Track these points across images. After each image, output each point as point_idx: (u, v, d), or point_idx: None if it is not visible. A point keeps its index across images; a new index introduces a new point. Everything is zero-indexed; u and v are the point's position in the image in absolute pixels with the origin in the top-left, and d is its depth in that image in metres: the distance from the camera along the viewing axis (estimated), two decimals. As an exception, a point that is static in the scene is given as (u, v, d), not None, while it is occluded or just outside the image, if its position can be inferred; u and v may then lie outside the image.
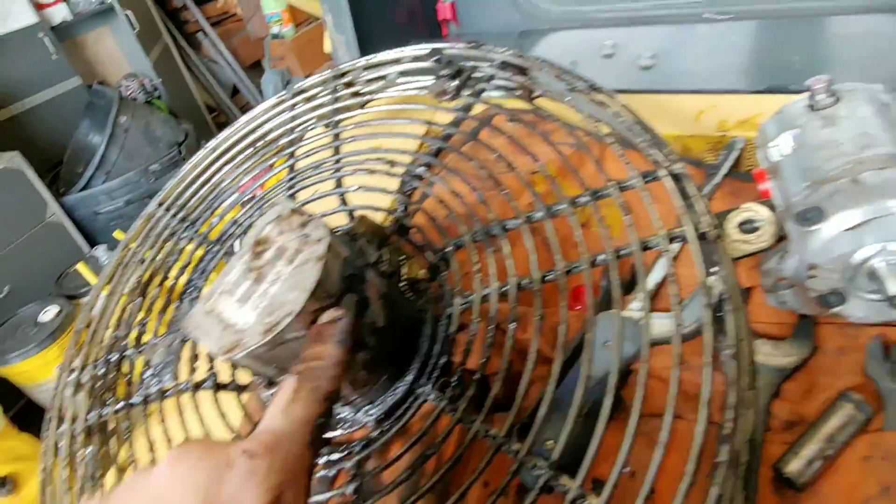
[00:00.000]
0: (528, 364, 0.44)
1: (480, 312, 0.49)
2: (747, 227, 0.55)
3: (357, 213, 0.52)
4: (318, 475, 0.50)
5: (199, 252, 0.66)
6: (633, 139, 0.49)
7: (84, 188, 2.83)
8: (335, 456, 0.50)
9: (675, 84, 0.75)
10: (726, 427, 0.38)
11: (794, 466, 0.48)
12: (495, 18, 1.01)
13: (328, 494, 0.46)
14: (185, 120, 3.31)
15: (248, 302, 0.41)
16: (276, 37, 3.33)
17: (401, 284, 0.55)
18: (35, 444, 1.89)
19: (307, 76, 0.72)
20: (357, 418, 0.52)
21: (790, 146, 0.52)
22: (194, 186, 0.70)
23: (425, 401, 0.48)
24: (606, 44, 0.85)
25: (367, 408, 0.52)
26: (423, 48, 0.60)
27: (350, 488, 0.45)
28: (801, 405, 0.50)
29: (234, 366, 0.61)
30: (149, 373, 0.62)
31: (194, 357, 0.60)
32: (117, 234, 2.47)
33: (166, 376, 0.61)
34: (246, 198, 0.66)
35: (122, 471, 0.60)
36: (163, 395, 0.59)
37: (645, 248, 0.45)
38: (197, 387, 0.58)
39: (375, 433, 0.50)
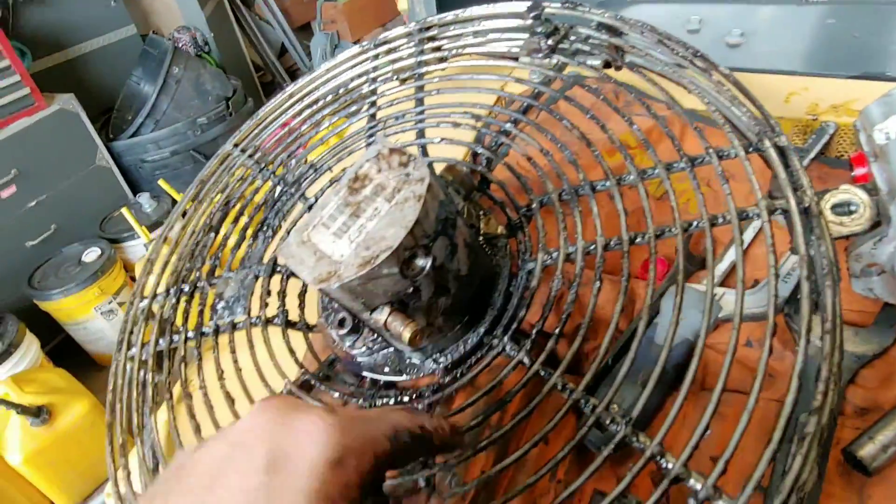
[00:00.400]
0: (611, 326, 0.44)
1: (563, 270, 0.49)
2: (841, 209, 0.53)
3: (446, 163, 0.52)
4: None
5: (275, 193, 0.67)
6: (736, 109, 0.48)
7: (133, 136, 2.89)
8: (405, 399, 0.51)
9: (764, 64, 0.73)
10: (817, 400, 0.37)
11: (867, 451, 0.47)
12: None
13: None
14: (233, 76, 3.35)
15: (345, 235, 0.42)
16: (328, 0, 3.33)
17: (478, 239, 0.56)
18: (69, 378, 1.97)
19: (356, 42, 0.72)
20: (425, 365, 0.53)
21: (897, 130, 0.50)
22: (271, 129, 0.71)
23: (499, 352, 0.48)
24: (693, 18, 0.82)
25: (437, 355, 0.52)
26: (520, 4, 0.59)
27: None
28: (878, 393, 0.50)
29: (303, 305, 0.62)
30: (221, 304, 0.63)
31: (266, 294, 0.61)
32: (162, 184, 2.52)
33: (238, 310, 0.62)
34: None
35: (188, 396, 0.62)
36: (234, 327, 0.61)
37: (743, 217, 0.44)
38: (268, 322, 0.59)
39: (446, 380, 0.51)
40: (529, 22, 0.57)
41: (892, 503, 0.47)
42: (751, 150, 0.46)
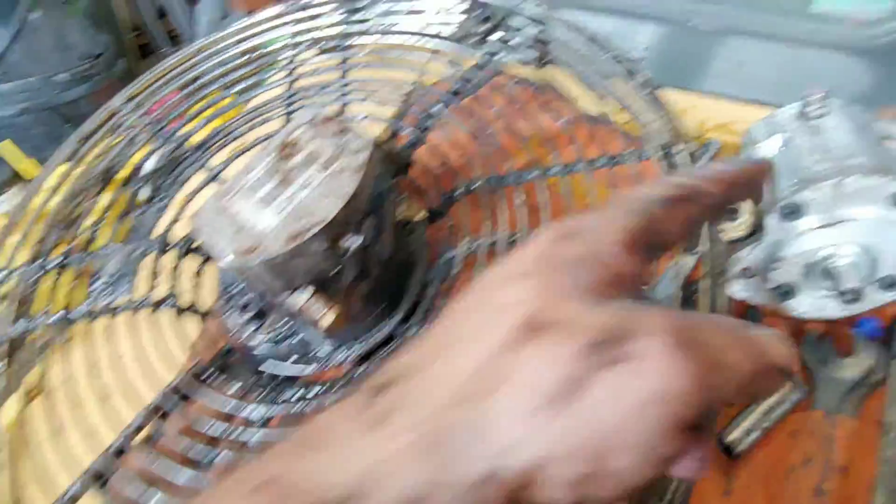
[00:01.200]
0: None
1: (487, 259, 0.49)
2: (727, 215, 0.59)
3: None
4: (290, 411, 0.47)
5: (171, 159, 0.61)
6: (651, 115, 0.52)
7: (-26, 84, 2.49)
8: (311, 392, 0.48)
9: (662, 78, 0.79)
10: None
11: (734, 435, 0.52)
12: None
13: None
14: (102, 32, 3.00)
15: (272, 205, 0.39)
16: (216, -37, 3.08)
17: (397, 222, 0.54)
18: None
19: (250, 12, 0.68)
20: (334, 356, 0.51)
21: (778, 147, 0.57)
22: (173, 86, 0.64)
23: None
24: (605, 30, 0.87)
25: (348, 345, 0.50)
26: (454, -14, 0.59)
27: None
28: (749, 383, 0.56)
29: (197, 287, 0.57)
30: (100, 283, 0.56)
31: (154, 274, 0.55)
32: (6, 145, 2.19)
33: (121, 290, 0.55)
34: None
35: (34, 395, 0.54)
36: (113, 312, 0.54)
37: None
38: (156, 306, 0.54)
39: (356, 373, 0.49)
40: (465, 6, 0.57)
41: (754, 479, 0.53)
42: (665, 153, 0.50)
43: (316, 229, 0.37)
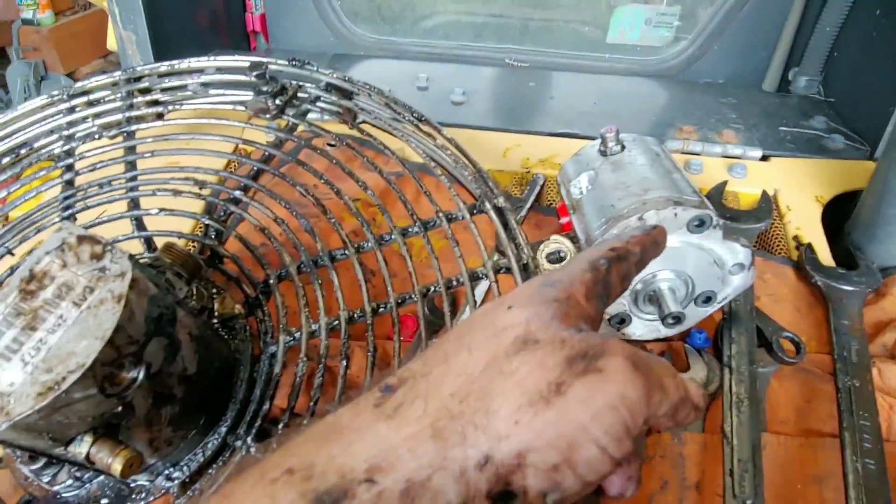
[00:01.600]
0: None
1: (308, 350, 0.45)
2: (554, 257, 0.61)
3: (164, 241, 0.45)
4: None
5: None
6: (460, 171, 0.51)
7: None
8: None
9: (484, 121, 0.80)
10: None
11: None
12: (308, 38, 0.98)
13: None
14: None
15: (15, 356, 0.33)
16: (27, 22, 2.81)
17: (213, 322, 0.49)
18: None
19: (70, 74, 0.61)
20: (157, 484, 0.45)
21: (587, 186, 0.59)
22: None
23: (246, 453, 0.43)
24: (421, 76, 0.88)
25: (170, 471, 0.44)
26: (243, 59, 0.55)
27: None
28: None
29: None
30: None
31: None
32: None
33: None
34: None
35: None
36: None
37: (474, 278, 0.47)
38: None
39: (181, 501, 0.43)
40: (254, 80, 0.54)
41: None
42: (475, 212, 0.49)
43: (73, 377, 0.32)
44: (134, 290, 0.34)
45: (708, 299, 0.58)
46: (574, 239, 0.60)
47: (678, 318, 0.56)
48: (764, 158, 0.79)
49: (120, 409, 0.36)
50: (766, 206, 0.71)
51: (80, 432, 0.35)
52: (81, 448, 0.35)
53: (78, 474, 0.43)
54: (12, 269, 0.49)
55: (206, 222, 0.52)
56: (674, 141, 0.80)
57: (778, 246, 0.72)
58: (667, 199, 0.54)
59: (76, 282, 0.35)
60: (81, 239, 0.36)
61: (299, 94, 0.55)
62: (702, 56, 0.94)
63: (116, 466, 0.35)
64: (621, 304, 0.57)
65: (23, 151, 0.56)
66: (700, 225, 0.53)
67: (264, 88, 0.52)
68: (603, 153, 0.60)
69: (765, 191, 0.73)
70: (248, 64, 0.57)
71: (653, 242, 0.34)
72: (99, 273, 0.35)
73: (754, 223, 0.69)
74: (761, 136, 0.81)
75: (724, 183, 0.73)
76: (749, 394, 0.54)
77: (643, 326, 0.60)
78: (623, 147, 0.60)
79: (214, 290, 0.51)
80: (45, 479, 0.42)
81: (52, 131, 0.58)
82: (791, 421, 0.55)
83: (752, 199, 0.74)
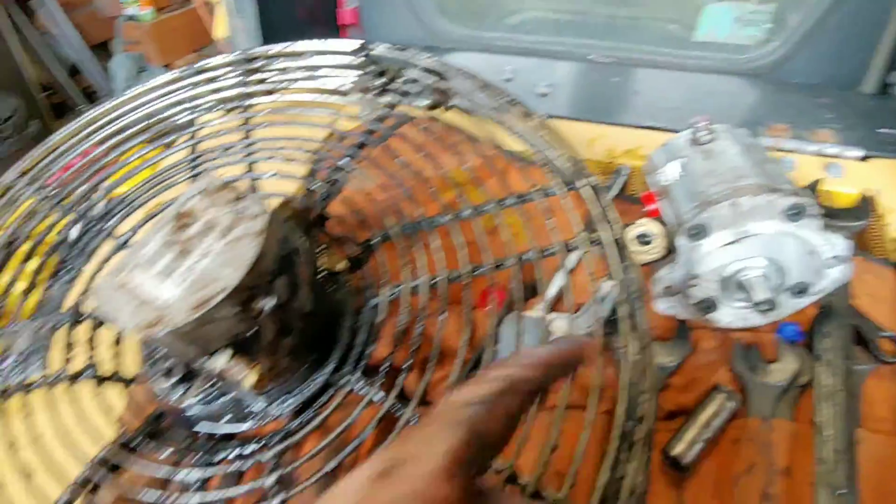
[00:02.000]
0: (459, 356, 0.45)
1: (410, 304, 0.48)
2: (641, 240, 0.61)
3: (282, 198, 0.49)
4: (227, 470, 0.45)
5: (75, 231, 0.58)
6: (553, 152, 0.53)
7: None
8: (248, 449, 0.46)
9: (569, 112, 0.82)
10: (641, 409, 0.42)
11: (679, 449, 0.53)
12: (398, 31, 1.03)
13: (242, 489, 0.42)
14: (10, 94, 2.86)
15: (172, 276, 0.37)
16: (130, 19, 3.03)
17: (318, 275, 0.53)
18: None
19: (166, 66, 0.67)
20: (270, 410, 0.49)
21: (678, 173, 0.60)
22: (68, 158, 0.61)
23: (350, 391, 0.46)
24: (506, 69, 0.91)
25: (283, 398, 0.48)
26: (352, 42, 0.59)
27: (270, 480, 0.42)
28: (682, 397, 0.57)
29: (119, 356, 0.54)
30: (9, 361, 0.52)
31: (68, 346, 0.52)
32: None
33: (32, 366, 0.51)
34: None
35: None
36: (27, 387, 0.50)
37: (568, 249, 0.48)
38: (74, 378, 0.50)
39: (293, 424, 0.47)
40: (359, 60, 0.58)
41: (704, 490, 0.53)
42: (569, 188, 0.51)
43: (221, 297, 0.36)
44: (269, 229, 0.38)
45: (802, 291, 0.57)
46: (663, 224, 0.61)
47: (771, 306, 0.55)
48: (863, 159, 0.77)
49: (252, 332, 0.40)
50: (866, 205, 0.69)
51: (220, 347, 0.39)
52: (221, 360, 0.39)
53: (204, 394, 0.47)
54: (149, 218, 0.55)
55: (313, 187, 0.56)
56: (764, 138, 0.78)
57: (877, 248, 0.70)
58: (760, 185, 0.54)
59: (220, 220, 0.39)
60: (221, 185, 0.41)
61: (399, 76, 0.58)
62: (794, 56, 0.92)
63: (251, 378, 0.39)
64: (711, 288, 0.57)
65: (152, 120, 0.62)
66: (797, 213, 0.52)
67: (368, 69, 0.56)
68: (693, 142, 0.61)
69: (865, 190, 0.71)
70: (354, 47, 0.61)
71: (564, 363, 0.29)
72: (238, 213, 0.39)
73: (853, 221, 0.67)
74: (859, 138, 0.79)
75: (817, 181, 0.72)
76: (844, 386, 0.53)
77: (731, 314, 0.59)
78: (714, 137, 0.61)
79: (322, 247, 0.55)
80: (175, 396, 0.47)
81: (177, 103, 0.64)
82: (890, 420, 0.53)
83: (848, 199, 0.72)
